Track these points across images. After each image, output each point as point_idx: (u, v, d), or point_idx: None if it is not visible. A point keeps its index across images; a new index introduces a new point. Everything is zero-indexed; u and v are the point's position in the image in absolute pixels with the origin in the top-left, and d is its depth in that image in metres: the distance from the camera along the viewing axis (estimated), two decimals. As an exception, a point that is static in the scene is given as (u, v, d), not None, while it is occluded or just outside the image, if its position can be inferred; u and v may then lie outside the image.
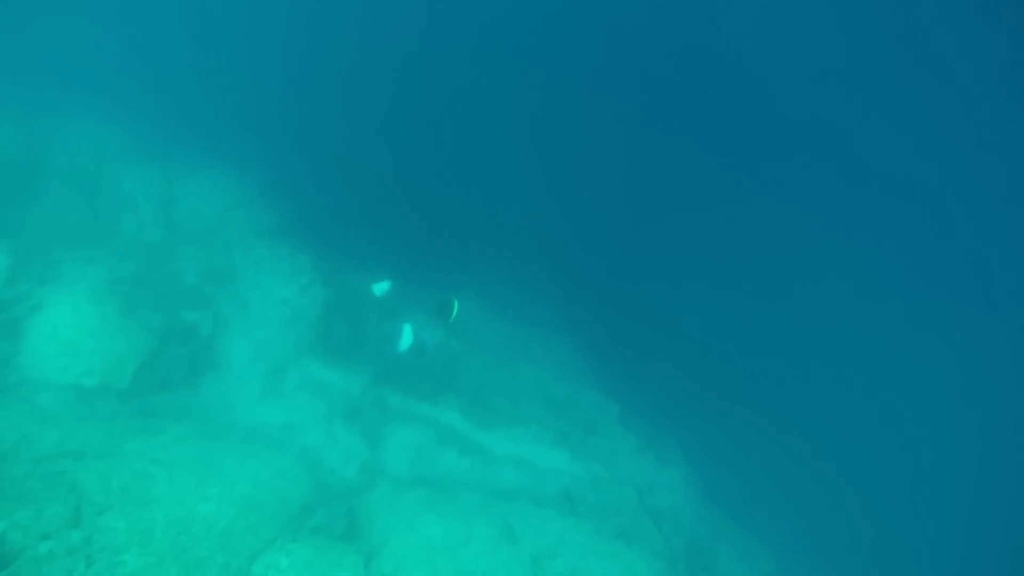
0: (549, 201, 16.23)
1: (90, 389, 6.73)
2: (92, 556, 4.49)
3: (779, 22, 18.58)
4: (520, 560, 6.40)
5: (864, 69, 18.93)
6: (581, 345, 13.48)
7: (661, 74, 19.44)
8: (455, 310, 7.63)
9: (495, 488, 8.06)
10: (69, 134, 11.59)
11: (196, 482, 5.72)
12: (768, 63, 19.15)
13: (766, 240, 18.69)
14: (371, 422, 8.28)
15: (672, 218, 18.52)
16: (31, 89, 11.72)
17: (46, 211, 9.15)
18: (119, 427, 6.23)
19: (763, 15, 18.54)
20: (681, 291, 16.85)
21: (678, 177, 18.86)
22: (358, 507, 6.54)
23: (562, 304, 13.95)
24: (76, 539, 4.54)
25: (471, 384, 9.90)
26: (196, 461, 6.03)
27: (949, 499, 16.68)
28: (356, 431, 8.02)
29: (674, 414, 12.65)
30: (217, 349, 8.43)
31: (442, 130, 16.48)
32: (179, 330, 8.12)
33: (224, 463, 6.21)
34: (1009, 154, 18.75)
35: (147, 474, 5.56)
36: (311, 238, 11.00)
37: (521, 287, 13.27)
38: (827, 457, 15.54)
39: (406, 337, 7.42)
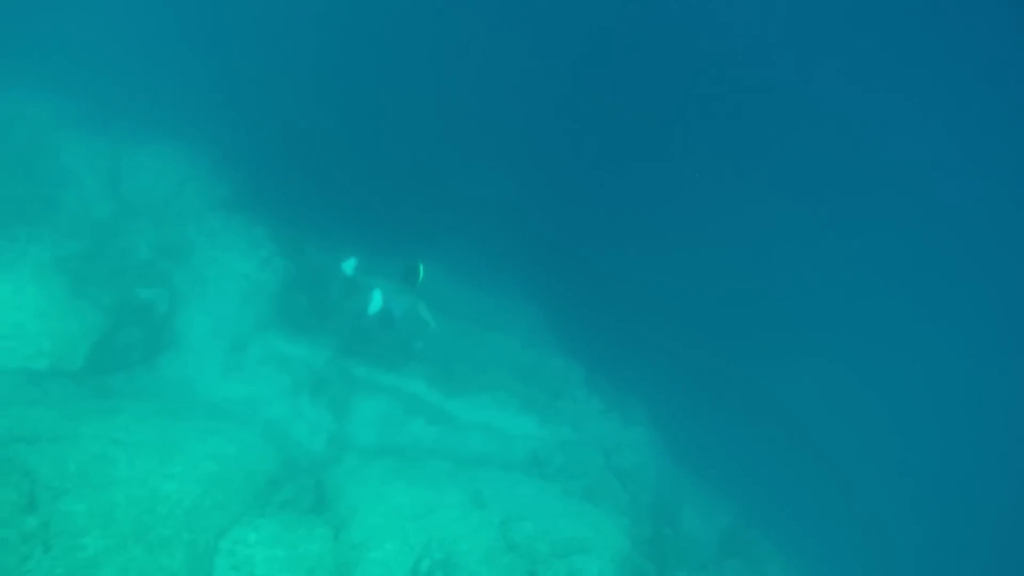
0: (510, 167, 16.08)
1: (40, 372, 6.51)
2: (50, 541, 4.41)
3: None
4: (490, 524, 6.53)
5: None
6: (547, 310, 13.57)
7: (624, 32, 19.18)
8: (421, 274, 7.61)
9: (463, 455, 8.16)
10: (1, 104, 10.96)
11: (158, 461, 5.63)
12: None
13: (732, 200, 18.83)
14: (337, 394, 8.24)
15: (633, 180, 18.53)
16: (-43, 56, 11.01)
17: (-21, 187, 8.70)
18: (74, 409, 6.06)
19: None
20: (644, 252, 16.99)
21: (637, 137, 18.82)
22: (326, 479, 6.55)
23: (527, 270, 13.95)
24: (32, 525, 4.43)
25: (437, 353, 9.91)
26: (157, 440, 5.92)
27: (912, 448, 17.45)
28: (322, 403, 7.98)
29: (638, 375, 12.87)
30: (175, 326, 8.24)
31: (400, 97, 16.09)
32: (134, 308, 7.88)
33: (187, 441, 6.12)
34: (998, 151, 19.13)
35: (106, 456, 5.44)
36: (268, 210, 10.73)
37: (486, 255, 13.21)
38: (788, 410, 16.02)
39: (375, 302, 7.32)
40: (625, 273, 16.37)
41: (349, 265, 7.67)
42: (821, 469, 15.30)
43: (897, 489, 16.14)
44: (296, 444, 7.23)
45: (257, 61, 14.86)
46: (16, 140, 10.35)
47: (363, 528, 5.82)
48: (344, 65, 16.03)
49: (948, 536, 15.16)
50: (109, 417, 6.03)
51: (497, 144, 16.47)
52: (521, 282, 13.71)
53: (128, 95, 12.31)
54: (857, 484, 15.55)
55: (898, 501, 15.67)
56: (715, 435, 13.73)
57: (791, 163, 19.72)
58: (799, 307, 18.79)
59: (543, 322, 13.36)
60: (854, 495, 15.20)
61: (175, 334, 8.02)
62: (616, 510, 8.26)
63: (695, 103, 19.55)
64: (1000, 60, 16.91)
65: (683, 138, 19.25)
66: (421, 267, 7.67)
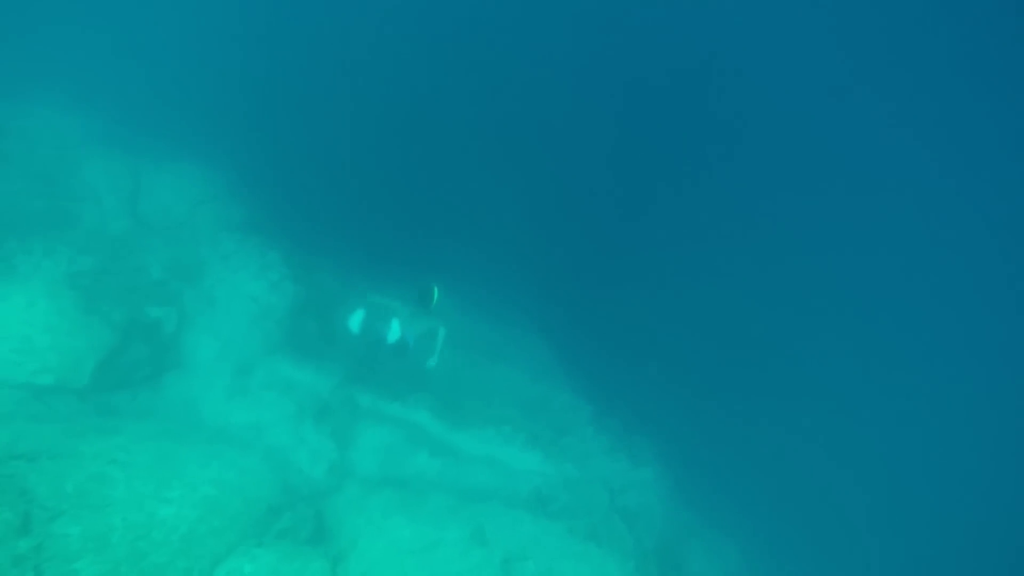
0: (524, 200, 16.19)
1: (45, 388, 6.46)
2: (41, 566, 4.29)
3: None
4: (491, 563, 6.34)
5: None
6: (556, 345, 13.46)
7: (640, 72, 19.50)
8: (436, 296, 7.56)
9: (466, 489, 7.98)
10: (29, 119, 11.16)
11: (157, 484, 5.52)
12: (749, 57, 19.30)
13: (741, 240, 18.88)
14: (341, 422, 8.13)
15: (647, 218, 18.62)
16: (-12, 72, 11.28)
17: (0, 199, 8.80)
18: (76, 427, 5.99)
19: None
20: (655, 292, 16.97)
21: (653, 177, 18.97)
22: (326, 509, 6.40)
23: (538, 304, 13.92)
24: (24, 547, 4.33)
25: (443, 384, 9.79)
26: (157, 462, 5.83)
27: (919, 498, 17.06)
28: (325, 431, 7.86)
29: (647, 414, 12.70)
30: (182, 346, 8.19)
31: (417, 127, 16.31)
32: (142, 326, 7.86)
33: (187, 464, 6.02)
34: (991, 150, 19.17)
35: (104, 476, 5.35)
36: (282, 234, 10.77)
37: (497, 287, 13.19)
38: (797, 453, 15.76)
39: (394, 331, 7.23)
40: (636, 312, 16.32)
41: (356, 321, 7.34)
42: (831, 514, 14.96)
43: (908, 535, 15.74)
44: (297, 472, 7.10)
45: (279, 86, 15.15)
46: (40, 155, 10.51)
47: (362, 562, 5.65)
48: (363, 92, 16.31)
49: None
50: (110, 436, 5.96)
51: (513, 176, 16.62)
52: (531, 315, 13.65)
53: (152, 114, 12.55)
54: (867, 529, 15.19)
55: (910, 547, 15.27)
56: (723, 478, 13.48)
57: (807, 210, 19.81)
58: (811, 349, 18.64)
59: (552, 357, 13.25)
60: (864, 541, 14.84)
61: (181, 354, 7.98)
62: (621, 552, 8.03)
63: (711, 145, 19.73)
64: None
65: (698, 180, 19.38)
66: (436, 290, 7.63)
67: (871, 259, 20.78)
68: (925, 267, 21.41)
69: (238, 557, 5.27)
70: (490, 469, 8.58)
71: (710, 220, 18.97)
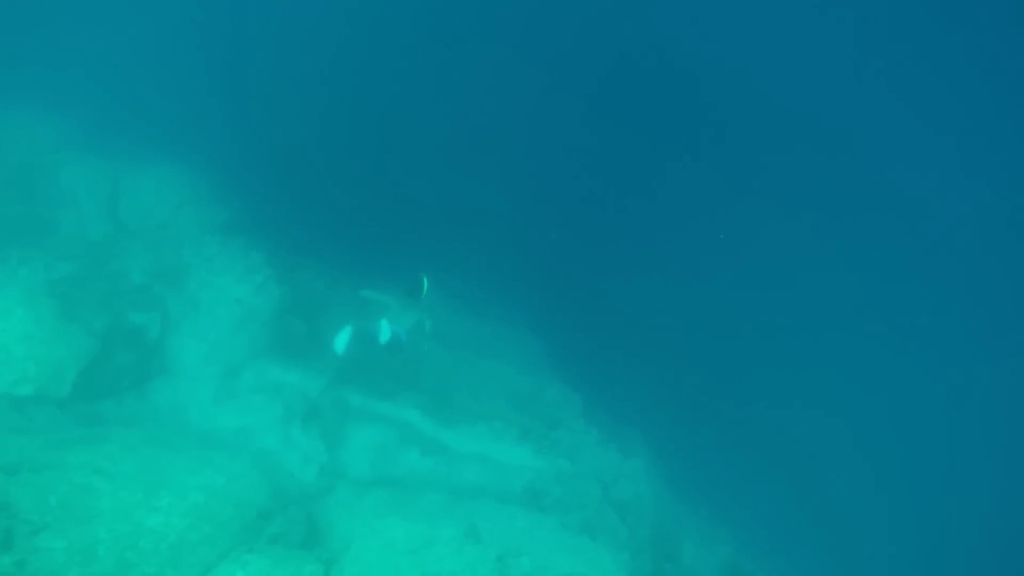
0: (509, 192, 16.13)
1: (24, 398, 6.33)
2: (26, 580, 4.21)
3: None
4: (486, 559, 6.32)
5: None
6: (544, 339, 13.45)
7: (623, 60, 19.43)
8: (425, 287, 7.72)
9: (459, 487, 7.95)
10: (2, 125, 10.94)
11: (144, 493, 5.44)
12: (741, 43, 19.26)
13: (729, 230, 18.92)
14: (330, 423, 8.06)
15: (632, 209, 18.62)
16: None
17: (-27, 207, 8.62)
18: (59, 437, 5.88)
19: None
20: (641, 283, 16.99)
21: (637, 168, 18.95)
22: (318, 512, 6.35)
23: (525, 298, 13.88)
24: (6, 564, 4.23)
25: (432, 381, 9.75)
26: (144, 470, 5.74)
27: (913, 481, 17.25)
28: (315, 433, 7.78)
29: (637, 405, 12.75)
30: (167, 352, 8.08)
31: (398, 123, 16.17)
32: (125, 332, 7.74)
33: (175, 471, 5.93)
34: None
35: (89, 487, 5.26)
36: (265, 234, 10.64)
37: (483, 282, 13.14)
38: (788, 438, 15.88)
39: (384, 332, 7.21)
40: (624, 302, 16.33)
41: (341, 342, 7.24)
42: (823, 498, 15.11)
43: (904, 519, 15.93)
44: (287, 475, 7.02)
45: (258, 85, 14.96)
46: (15, 160, 10.31)
47: (355, 564, 5.61)
48: (344, 90, 16.14)
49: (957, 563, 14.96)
50: (95, 446, 5.86)
51: (496, 170, 16.53)
52: (519, 310, 13.62)
53: (130, 117, 12.33)
54: (861, 513, 15.35)
55: (905, 531, 15.46)
56: (714, 465, 13.57)
57: (797, 197, 19.89)
58: (800, 335, 18.76)
59: (541, 351, 13.23)
60: (858, 525, 15.00)
61: (167, 360, 7.87)
62: (615, 544, 8.05)
63: (698, 133, 19.74)
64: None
65: (685, 168, 19.39)
66: (425, 280, 7.76)
67: (866, 237, 20.86)
68: (926, 249, 21.50)
69: (229, 564, 5.20)
70: (482, 466, 8.56)
71: (694, 207, 19.00)
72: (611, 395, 12.46)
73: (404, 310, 7.82)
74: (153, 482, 5.57)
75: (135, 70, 13.83)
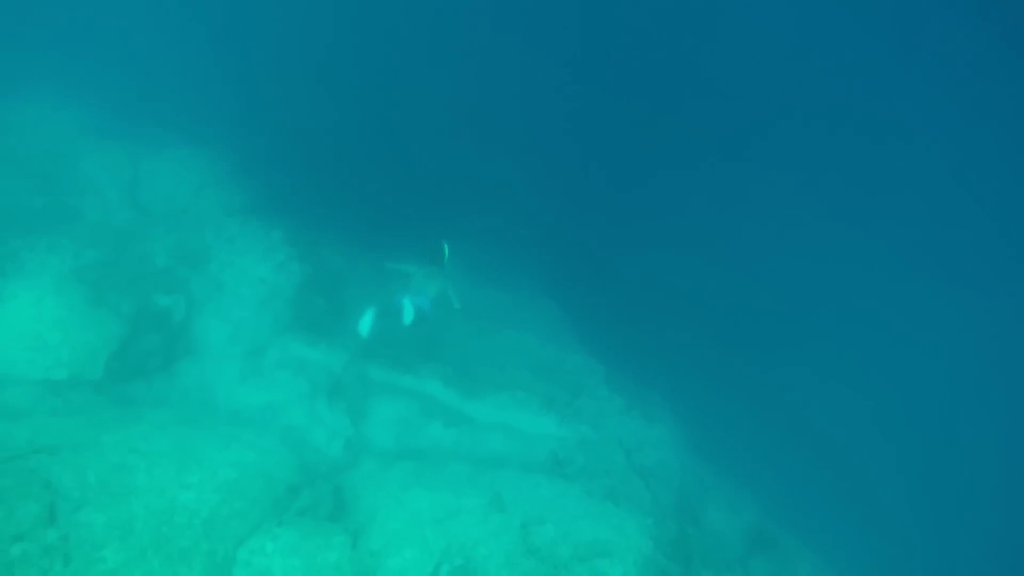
0: (528, 162, 16.00)
1: (61, 382, 6.57)
2: (69, 554, 4.43)
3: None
4: (510, 527, 6.44)
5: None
6: (566, 307, 13.47)
7: (635, 40, 19.00)
8: (446, 253, 7.93)
9: (483, 457, 8.09)
10: (23, 116, 11.13)
11: (177, 470, 5.64)
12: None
13: (748, 196, 18.67)
14: (354, 398, 8.23)
15: (650, 176, 18.37)
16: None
17: (1, 199, 8.82)
18: (94, 418, 6.11)
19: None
20: (663, 247, 16.86)
21: (655, 136, 18.64)
22: (344, 485, 6.53)
23: (546, 267, 13.89)
24: (52, 538, 4.45)
25: (454, 353, 9.84)
26: (176, 448, 5.94)
27: (940, 441, 17.10)
28: (339, 408, 7.96)
29: (660, 370, 12.76)
30: (193, 332, 8.29)
31: (417, 99, 16.06)
32: (152, 315, 7.94)
33: (206, 448, 6.13)
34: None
35: (125, 465, 5.47)
36: (285, 213, 10.76)
37: (504, 253, 13.15)
38: (811, 401, 15.83)
39: (408, 312, 7.35)
40: (645, 268, 16.24)
41: (365, 324, 7.40)
42: (847, 461, 15.07)
43: (926, 481, 15.85)
44: (314, 450, 7.22)
45: (271, 66, 14.94)
46: (37, 151, 10.50)
47: (381, 535, 5.77)
48: (356, 66, 16.05)
49: (978, 532, 14.86)
50: (129, 426, 6.07)
51: (515, 141, 16.40)
52: (539, 278, 13.64)
53: (146, 102, 12.46)
54: (884, 477, 15.30)
55: (929, 493, 15.39)
56: (738, 429, 13.61)
57: (812, 172, 19.50)
58: (822, 299, 18.55)
59: (562, 319, 13.26)
60: (881, 488, 14.96)
61: (193, 340, 8.07)
62: (639, 510, 8.11)
63: (716, 106, 19.32)
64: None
65: (705, 142, 19.05)
66: (446, 246, 7.94)
67: (893, 205, 20.47)
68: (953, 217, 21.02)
69: (260, 536, 5.39)
70: (505, 435, 8.67)
71: (720, 177, 18.73)
72: (634, 362, 12.47)
73: (427, 279, 7.93)
74: (185, 459, 5.77)
75: (148, 56, 13.92)
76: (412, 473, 6.95)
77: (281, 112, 13.97)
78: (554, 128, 17.46)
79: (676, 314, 15.41)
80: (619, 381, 11.68)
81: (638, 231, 17.15)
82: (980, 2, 15.72)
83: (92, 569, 4.42)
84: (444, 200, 13.87)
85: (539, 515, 6.82)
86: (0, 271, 7.00)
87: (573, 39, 18.47)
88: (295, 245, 10.01)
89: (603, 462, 9.07)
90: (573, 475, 8.46)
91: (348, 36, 16.42)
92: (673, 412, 11.93)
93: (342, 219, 11.67)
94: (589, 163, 17.92)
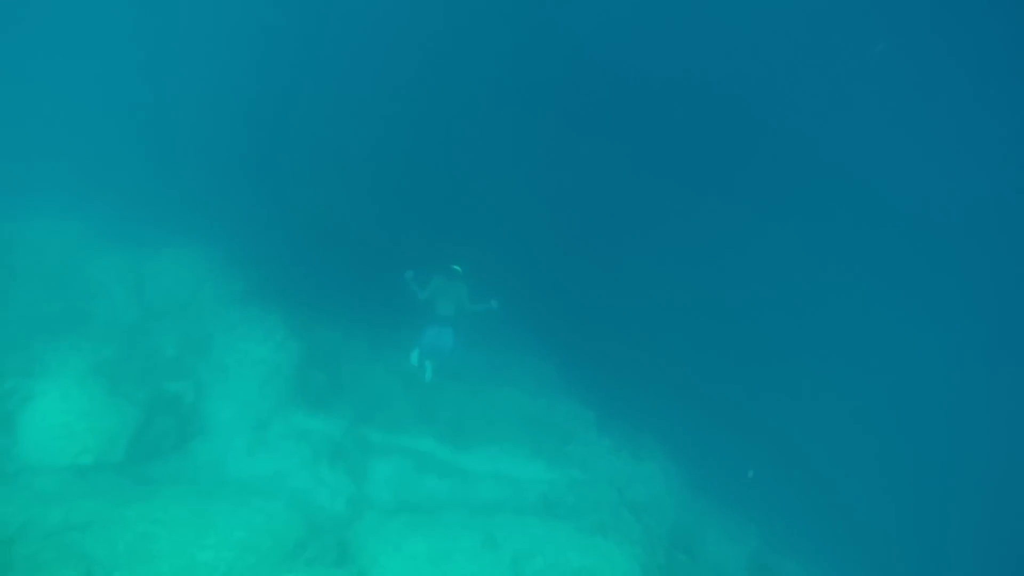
0: (515, 225, 16.46)
1: (87, 467, 7.27)
2: (107, 609, 5.04)
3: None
4: (501, 562, 7.01)
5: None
6: (555, 359, 13.94)
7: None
8: (460, 271, 9.55)
9: (476, 504, 8.64)
10: (31, 233, 12.02)
11: (195, 535, 6.28)
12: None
13: (730, 233, 18.77)
14: (354, 459, 8.87)
15: (635, 224, 18.57)
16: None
17: (20, 309, 9.66)
18: (118, 497, 6.77)
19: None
20: (649, 291, 17.18)
21: (639, 185, 18.82)
22: (348, 537, 7.12)
23: (535, 320, 14.29)
24: (92, 597, 5.08)
25: (447, 413, 10.49)
26: (193, 516, 6.59)
27: (939, 472, 17.14)
28: (341, 469, 8.59)
29: (650, 411, 13.05)
30: (202, 413, 8.99)
31: (395, 167, 16.68)
32: (165, 400, 8.69)
33: (219, 514, 6.77)
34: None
35: (149, 534, 6.12)
36: (280, 296, 11.52)
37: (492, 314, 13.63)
38: (808, 430, 15.98)
39: (447, 339, 9.61)
40: (630, 311, 16.61)
41: (416, 356, 9.63)
42: (848, 491, 15.18)
43: (927, 507, 15.91)
44: (319, 509, 7.82)
45: (255, 163, 15.92)
46: (48, 261, 11.38)
47: (383, 575, 6.35)
48: (336, 139, 16.83)
49: (980, 553, 14.93)
50: (149, 501, 6.73)
51: (503, 209, 16.86)
52: (528, 334, 14.12)
53: (143, 206, 13.29)
54: (885, 506, 15.37)
55: (929, 520, 15.43)
56: (735, 463, 13.80)
57: (803, 209, 19.74)
58: (817, 331, 18.70)
59: (552, 371, 13.72)
60: (883, 517, 15.03)
61: (203, 420, 8.77)
62: (628, 540, 8.62)
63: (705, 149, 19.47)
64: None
65: (690, 182, 19.18)
66: (457, 267, 9.54)
67: (879, 231, 20.52)
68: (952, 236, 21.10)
69: (273, 585, 5.99)
70: (497, 483, 9.24)
71: (699, 220, 18.85)
72: (625, 404, 12.84)
73: (446, 300, 9.63)
74: (201, 524, 6.42)
75: (140, 164, 14.86)
76: (410, 522, 7.55)
77: (270, 205, 14.82)
78: (541, 174, 17.77)
79: (665, 356, 15.69)
80: (610, 425, 12.14)
81: (619, 273, 17.50)
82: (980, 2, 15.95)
83: (127, 620, 5.03)
84: (431, 269, 14.55)
85: (529, 550, 7.39)
86: (28, 372, 7.82)
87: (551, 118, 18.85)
88: (291, 326, 10.81)
89: (593, 500, 9.59)
90: (564, 514, 8.99)
91: (335, 115, 17.06)
92: (665, 449, 12.26)
93: (334, 298, 12.39)
94: (576, 214, 18.10)
